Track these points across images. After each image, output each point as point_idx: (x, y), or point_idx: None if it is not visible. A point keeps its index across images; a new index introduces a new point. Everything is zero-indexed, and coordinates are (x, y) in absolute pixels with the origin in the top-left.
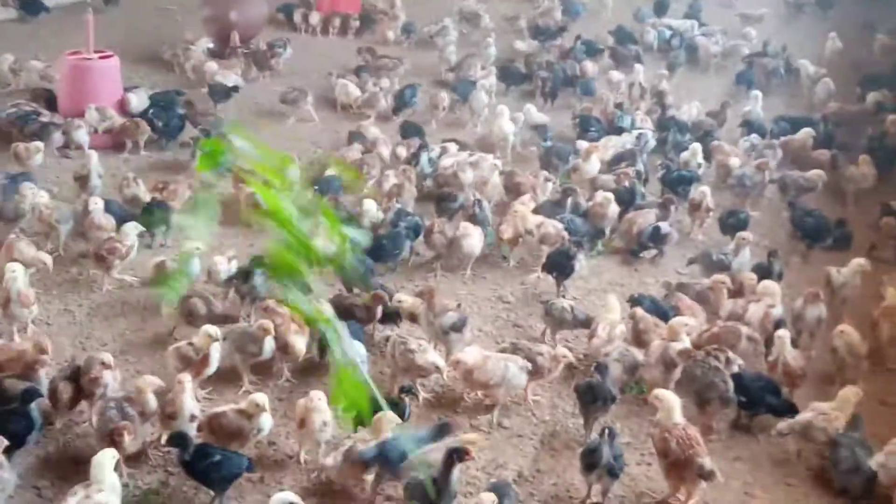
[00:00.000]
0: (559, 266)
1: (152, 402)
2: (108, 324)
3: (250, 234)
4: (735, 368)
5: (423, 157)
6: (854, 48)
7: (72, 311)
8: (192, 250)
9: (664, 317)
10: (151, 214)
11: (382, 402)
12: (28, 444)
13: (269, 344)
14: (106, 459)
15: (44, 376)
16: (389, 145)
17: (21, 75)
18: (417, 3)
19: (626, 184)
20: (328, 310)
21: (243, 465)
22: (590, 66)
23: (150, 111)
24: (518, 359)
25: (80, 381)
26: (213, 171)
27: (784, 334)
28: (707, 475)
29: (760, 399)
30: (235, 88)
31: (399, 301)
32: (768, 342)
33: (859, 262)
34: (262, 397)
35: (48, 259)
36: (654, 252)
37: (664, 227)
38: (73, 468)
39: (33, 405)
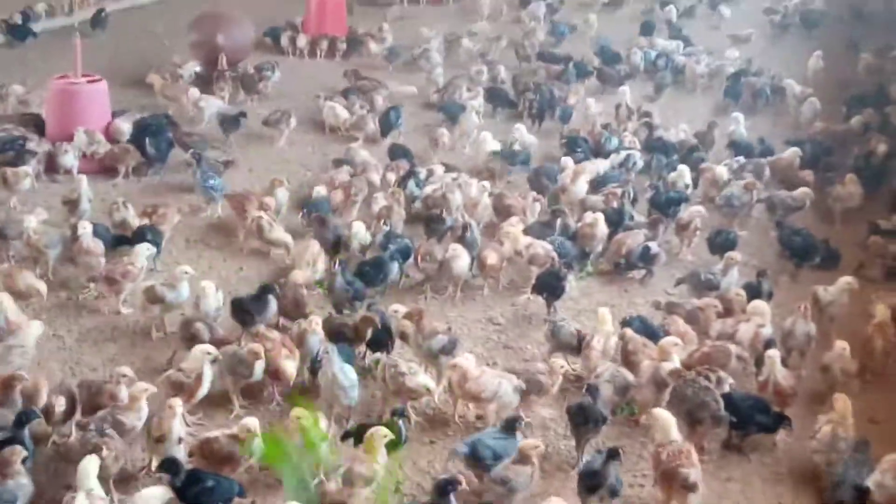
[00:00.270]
0: (549, 287)
1: (145, 409)
2: (98, 349)
3: (241, 258)
4: (726, 388)
5: (411, 182)
6: (839, 67)
7: (61, 336)
8: (181, 274)
9: (653, 337)
10: (140, 240)
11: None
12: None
13: (259, 367)
14: (91, 466)
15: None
16: (380, 169)
17: (9, 100)
18: (405, 27)
19: (615, 204)
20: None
21: (234, 491)
22: (580, 90)
23: (146, 139)
24: (513, 378)
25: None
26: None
27: (774, 354)
28: (690, 486)
29: (750, 418)
30: (243, 114)
31: (395, 311)
32: (758, 362)
33: (846, 280)
34: (253, 421)
35: (43, 287)
36: (643, 272)
37: (654, 247)
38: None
39: (26, 430)
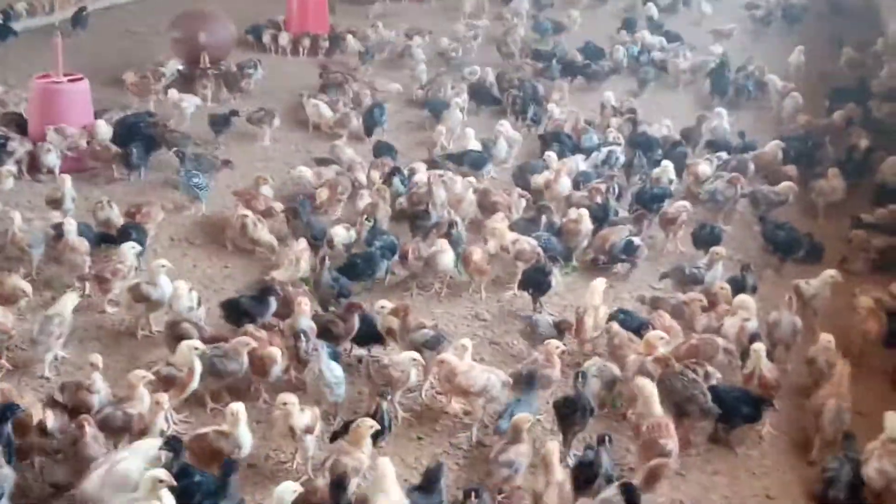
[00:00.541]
0: (535, 283)
1: (146, 397)
2: (83, 347)
3: (225, 256)
4: (713, 382)
5: (395, 179)
6: (821, 62)
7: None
8: (158, 268)
9: (637, 331)
10: (125, 238)
11: None
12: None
13: (244, 361)
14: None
15: None
16: (365, 167)
17: None
18: (388, 24)
19: (599, 200)
20: None
21: (220, 487)
22: (563, 86)
23: (132, 150)
24: (501, 373)
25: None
26: None
27: (760, 347)
28: (667, 455)
29: (736, 410)
30: (235, 113)
31: (382, 307)
32: (744, 356)
33: (829, 273)
34: (239, 406)
35: (28, 288)
36: (627, 266)
37: (636, 240)
38: None
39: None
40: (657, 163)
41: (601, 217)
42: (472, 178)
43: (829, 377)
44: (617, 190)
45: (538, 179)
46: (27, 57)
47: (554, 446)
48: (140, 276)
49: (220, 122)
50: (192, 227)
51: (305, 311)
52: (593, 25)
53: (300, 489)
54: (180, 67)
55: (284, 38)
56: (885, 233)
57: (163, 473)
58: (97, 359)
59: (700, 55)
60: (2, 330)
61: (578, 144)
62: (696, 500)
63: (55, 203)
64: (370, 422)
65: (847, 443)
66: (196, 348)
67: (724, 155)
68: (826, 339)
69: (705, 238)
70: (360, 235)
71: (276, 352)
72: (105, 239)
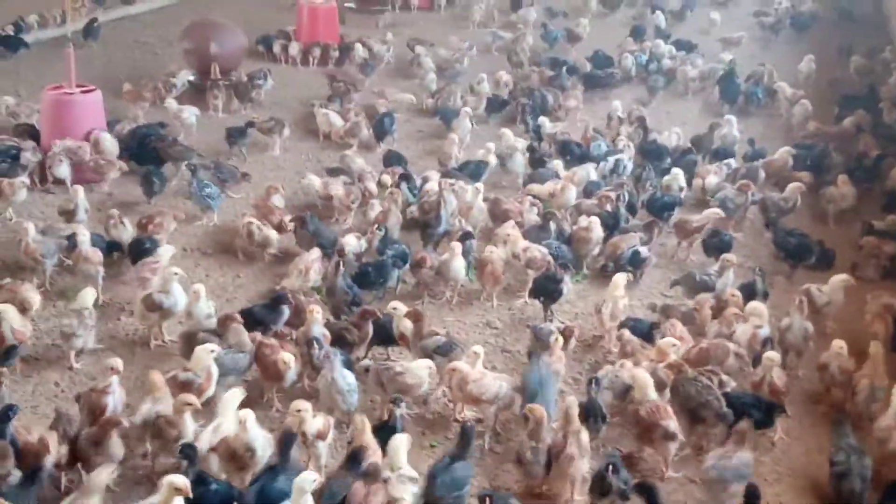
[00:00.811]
0: (547, 291)
1: (168, 397)
2: (96, 358)
3: (237, 266)
4: (728, 390)
5: (405, 187)
6: (830, 69)
7: (59, 346)
8: (171, 275)
9: (648, 335)
10: (137, 251)
11: None
12: None
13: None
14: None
15: None
16: (375, 176)
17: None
18: (397, 34)
19: (609, 208)
20: None
21: (235, 496)
22: (577, 95)
23: (153, 175)
24: (513, 381)
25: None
26: None
27: (775, 357)
28: (671, 436)
29: (748, 416)
30: (251, 124)
31: (394, 308)
32: (756, 362)
33: (842, 277)
34: (247, 412)
35: (36, 298)
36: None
37: (643, 251)
38: None
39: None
40: (666, 171)
41: (612, 225)
42: (479, 185)
43: (842, 383)
44: (626, 198)
45: (540, 188)
46: (39, 69)
47: (573, 400)
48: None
49: (236, 134)
50: (203, 238)
51: (318, 319)
52: (603, 34)
53: (320, 479)
54: (191, 78)
55: (295, 49)
56: None
57: (180, 481)
58: (118, 363)
59: (709, 63)
60: (19, 339)
61: (587, 153)
62: None
63: (68, 214)
64: (365, 419)
65: (838, 430)
66: (212, 351)
67: (732, 163)
68: (838, 345)
69: (716, 245)
70: (371, 245)
71: (289, 356)
72: (115, 248)
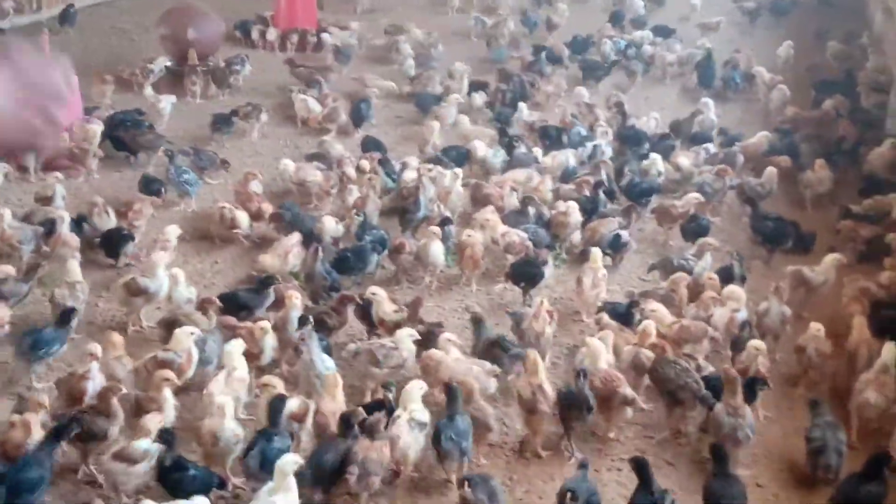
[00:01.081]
0: (528, 274)
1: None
2: (74, 344)
3: (215, 252)
4: (705, 374)
5: (382, 173)
6: (808, 55)
7: None
8: (159, 260)
9: (626, 316)
10: (113, 240)
11: None
12: None
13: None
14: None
15: None
16: (354, 162)
17: None
18: (375, 19)
19: (587, 193)
20: None
21: (214, 482)
22: (559, 81)
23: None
24: (486, 364)
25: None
26: None
27: (760, 345)
28: (630, 402)
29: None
30: (236, 113)
31: (373, 293)
32: (734, 345)
33: (835, 257)
34: (225, 398)
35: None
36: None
37: (624, 235)
38: None
39: None
40: (645, 156)
41: (590, 209)
42: (458, 170)
43: (819, 365)
44: (606, 183)
45: (517, 175)
46: None
47: (534, 354)
48: (132, 271)
49: (222, 122)
50: (181, 224)
51: (297, 304)
52: (583, 19)
53: (301, 461)
54: (168, 64)
55: (273, 34)
56: (873, 223)
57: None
58: (97, 348)
59: (687, 48)
60: None
61: (565, 138)
62: (686, 488)
63: (45, 201)
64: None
65: (815, 410)
66: (192, 333)
67: (711, 147)
68: (816, 327)
69: (693, 230)
70: (350, 230)
71: (266, 323)
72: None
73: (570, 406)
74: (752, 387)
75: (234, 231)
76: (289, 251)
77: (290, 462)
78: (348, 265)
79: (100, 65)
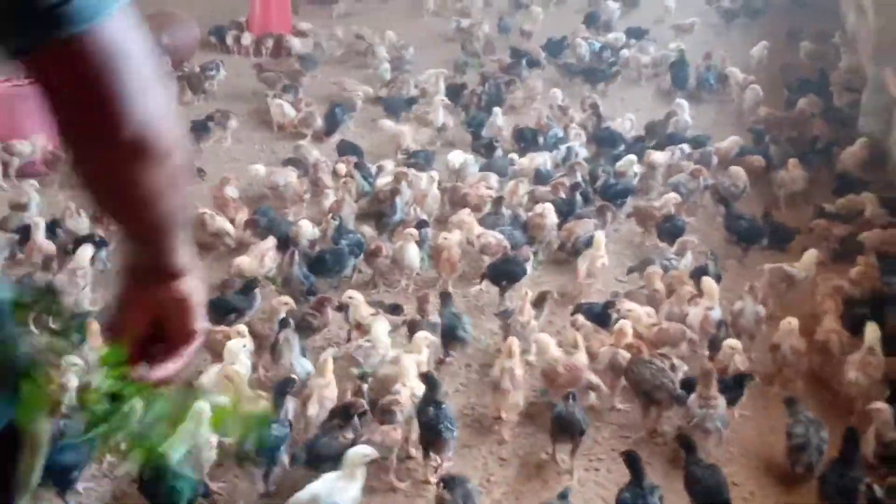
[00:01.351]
0: (508, 273)
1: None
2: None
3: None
4: (680, 375)
5: (359, 176)
6: (782, 55)
7: None
8: None
9: (602, 317)
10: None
11: None
12: None
13: None
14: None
15: None
16: (330, 166)
17: None
18: (352, 24)
19: (563, 194)
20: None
21: (198, 490)
22: (536, 84)
23: None
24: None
25: None
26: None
27: (735, 344)
28: (594, 387)
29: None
30: (211, 118)
31: (350, 297)
32: (711, 345)
33: (814, 253)
34: (203, 405)
35: None
36: None
37: (599, 235)
38: None
39: None
40: (619, 157)
41: (566, 211)
42: (434, 173)
43: (794, 363)
44: (583, 185)
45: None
46: None
47: (514, 340)
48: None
49: (200, 128)
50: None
51: (276, 308)
52: (558, 21)
53: (374, 453)
54: None
55: (247, 39)
56: (845, 222)
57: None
58: (78, 360)
59: (661, 49)
60: None
61: (541, 140)
62: (663, 487)
63: (20, 208)
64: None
65: (791, 409)
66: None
67: (685, 147)
68: (790, 323)
69: (669, 231)
70: (326, 234)
71: (242, 326)
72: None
73: (562, 429)
74: (740, 383)
75: (225, 236)
76: (264, 254)
77: (360, 453)
78: (325, 267)
79: None
